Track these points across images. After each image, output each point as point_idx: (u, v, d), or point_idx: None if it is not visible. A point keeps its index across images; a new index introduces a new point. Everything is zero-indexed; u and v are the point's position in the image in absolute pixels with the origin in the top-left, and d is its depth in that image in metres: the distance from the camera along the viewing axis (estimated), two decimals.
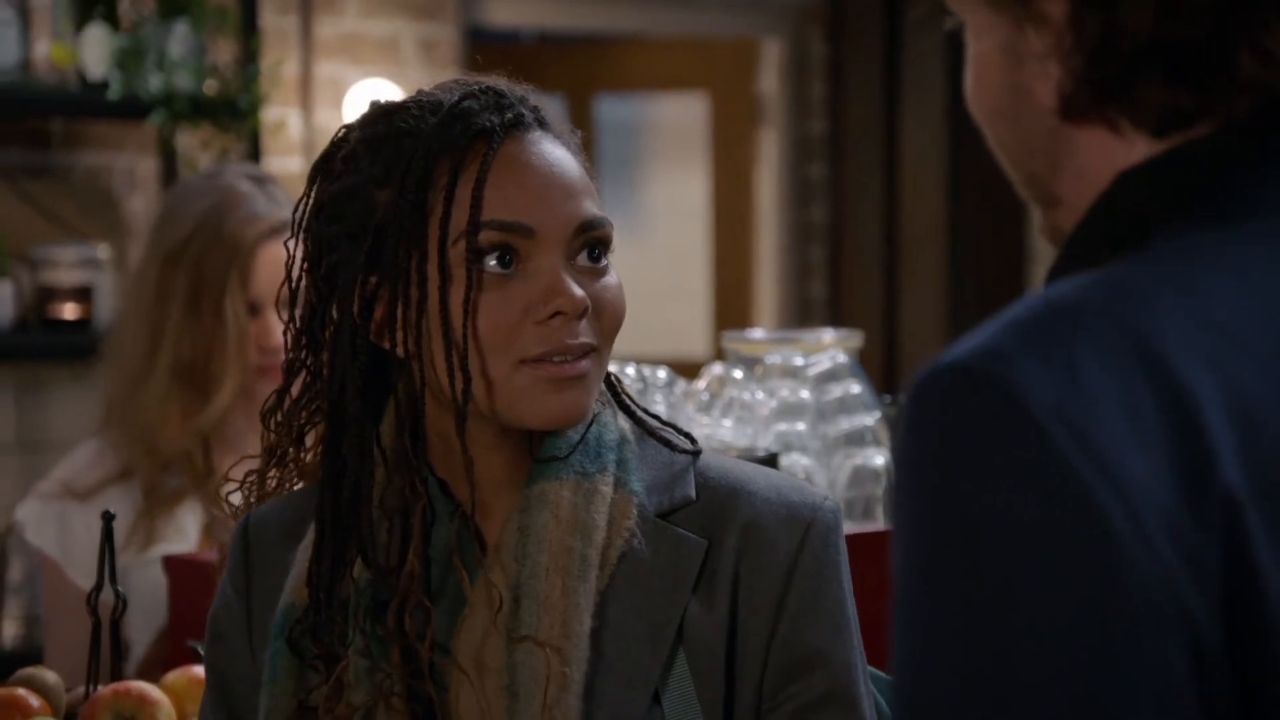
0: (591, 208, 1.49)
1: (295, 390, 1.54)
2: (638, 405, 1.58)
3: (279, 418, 1.54)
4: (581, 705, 1.44)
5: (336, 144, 1.53)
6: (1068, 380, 0.94)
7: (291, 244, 1.54)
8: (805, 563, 1.49)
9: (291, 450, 1.55)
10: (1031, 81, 1.06)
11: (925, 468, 0.95)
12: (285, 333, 1.53)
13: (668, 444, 1.55)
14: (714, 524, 1.51)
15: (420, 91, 1.52)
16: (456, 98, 1.49)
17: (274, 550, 1.57)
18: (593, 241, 1.48)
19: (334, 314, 1.50)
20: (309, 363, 1.52)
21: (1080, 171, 1.06)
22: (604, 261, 1.49)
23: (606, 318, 1.48)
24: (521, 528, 1.48)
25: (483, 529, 1.51)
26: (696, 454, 1.55)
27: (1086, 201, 1.06)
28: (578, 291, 1.46)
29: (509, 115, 1.48)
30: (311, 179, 1.53)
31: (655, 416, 1.58)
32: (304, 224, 1.53)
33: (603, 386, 1.54)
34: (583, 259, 1.48)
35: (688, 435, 1.56)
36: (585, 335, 1.46)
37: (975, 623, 0.93)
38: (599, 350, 1.48)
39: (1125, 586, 0.91)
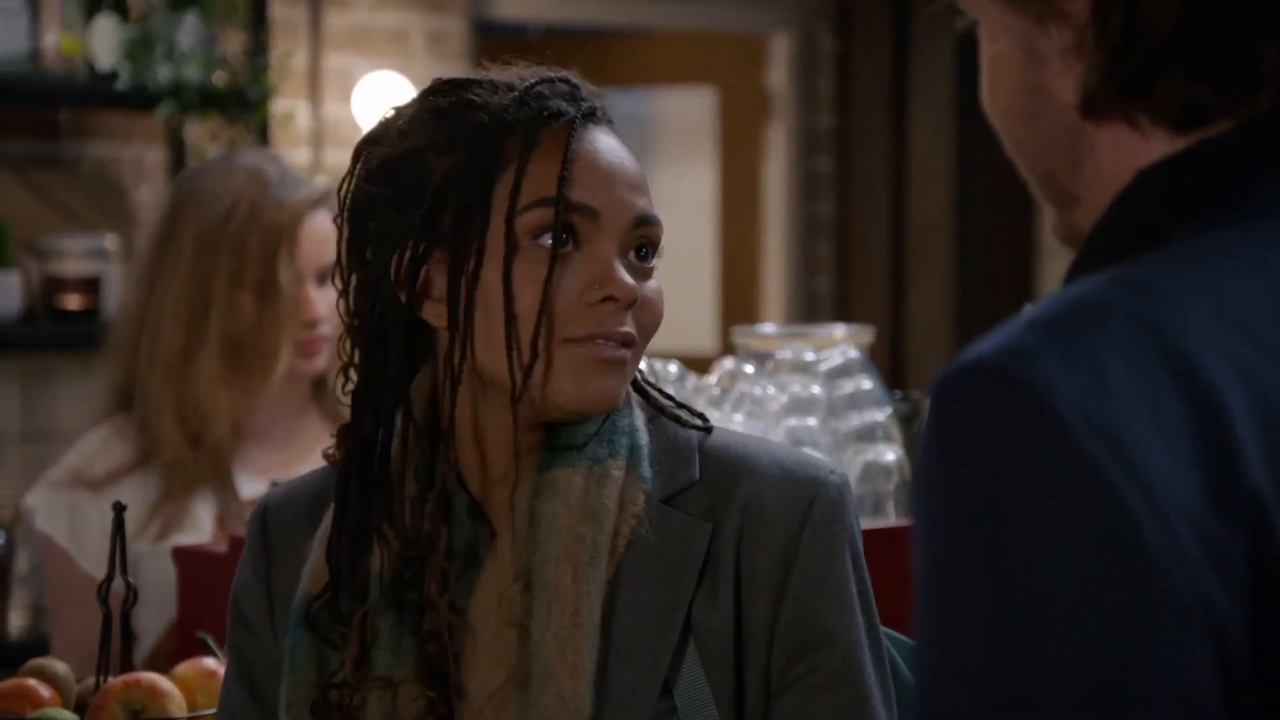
0: (650, 206, 1.51)
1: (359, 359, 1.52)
2: (651, 386, 1.58)
3: (346, 386, 1.52)
4: (593, 695, 1.43)
5: (392, 117, 1.53)
6: (1092, 379, 0.93)
7: (338, 220, 1.53)
8: (808, 542, 1.48)
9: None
10: (1052, 80, 1.05)
11: (947, 467, 0.94)
12: (339, 305, 1.53)
13: (678, 420, 1.54)
14: (717, 504, 1.50)
15: (488, 72, 1.53)
16: (532, 81, 1.51)
17: (293, 534, 1.57)
18: (645, 238, 1.50)
19: (371, 281, 1.50)
20: (359, 336, 1.52)
21: (1099, 169, 1.05)
22: (651, 262, 1.51)
23: (647, 316, 1.50)
24: (532, 515, 1.47)
25: (493, 516, 1.51)
26: (707, 430, 1.54)
27: (1105, 199, 1.05)
28: (630, 280, 1.47)
29: (584, 105, 1.51)
30: (358, 153, 1.53)
31: (669, 397, 1.58)
32: (350, 194, 1.52)
33: None
34: (633, 257, 1.50)
35: (699, 415, 1.56)
36: (629, 326, 1.47)
37: (997, 624, 0.92)
38: (636, 347, 1.49)
39: (1151, 587, 0.91)
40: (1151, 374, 0.93)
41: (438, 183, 1.47)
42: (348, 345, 1.52)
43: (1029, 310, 0.99)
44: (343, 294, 1.52)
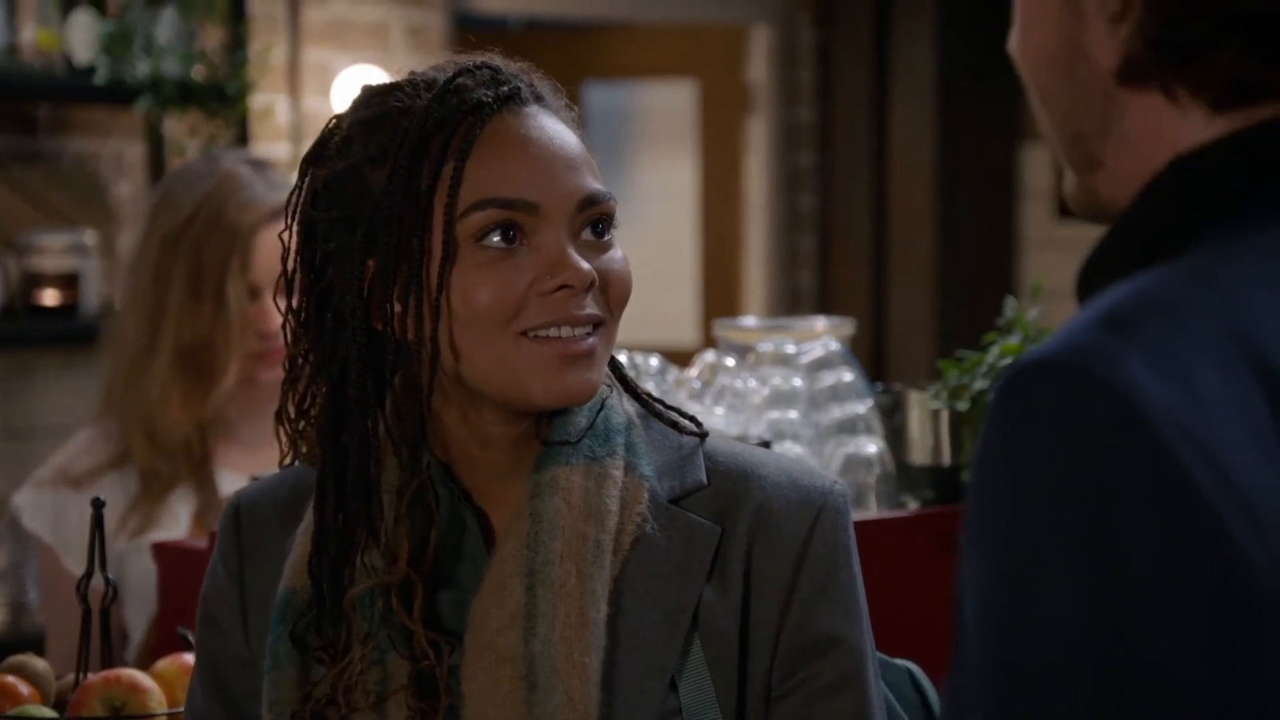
0: (593, 182, 1.48)
1: (301, 387, 1.51)
2: (644, 392, 1.56)
3: (291, 415, 1.51)
4: (600, 694, 1.42)
5: (328, 133, 1.51)
6: (1180, 384, 0.88)
7: (286, 236, 1.52)
8: (816, 547, 1.48)
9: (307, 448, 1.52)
10: (1090, 40, 1.02)
11: (1019, 476, 0.89)
12: (284, 326, 1.51)
13: (674, 426, 1.53)
14: (726, 509, 1.49)
15: (413, 72, 1.51)
16: (450, 74, 1.48)
17: (268, 532, 1.55)
18: (596, 217, 1.47)
19: (331, 301, 1.48)
20: (311, 357, 1.50)
21: (1127, 137, 1.02)
22: (608, 236, 1.48)
23: (613, 290, 1.47)
24: (533, 514, 1.46)
25: (489, 515, 1.50)
26: (703, 436, 1.54)
27: (1130, 168, 1.02)
28: (583, 265, 1.44)
29: (504, 89, 1.47)
30: (303, 170, 1.51)
31: (659, 400, 1.56)
32: (297, 214, 1.51)
33: (608, 370, 1.52)
34: (587, 234, 1.47)
35: (692, 418, 1.55)
36: (592, 308, 1.45)
37: (1082, 644, 0.87)
38: (606, 324, 1.46)
39: (1250, 604, 0.87)
40: (1240, 380, 0.89)
41: (376, 197, 1.45)
42: (301, 362, 1.50)
43: (1092, 307, 0.93)
44: (292, 311, 1.50)
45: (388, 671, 1.45)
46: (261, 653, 1.51)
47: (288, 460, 1.52)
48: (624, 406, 1.53)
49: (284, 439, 1.51)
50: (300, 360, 1.50)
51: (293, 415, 1.51)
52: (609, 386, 1.53)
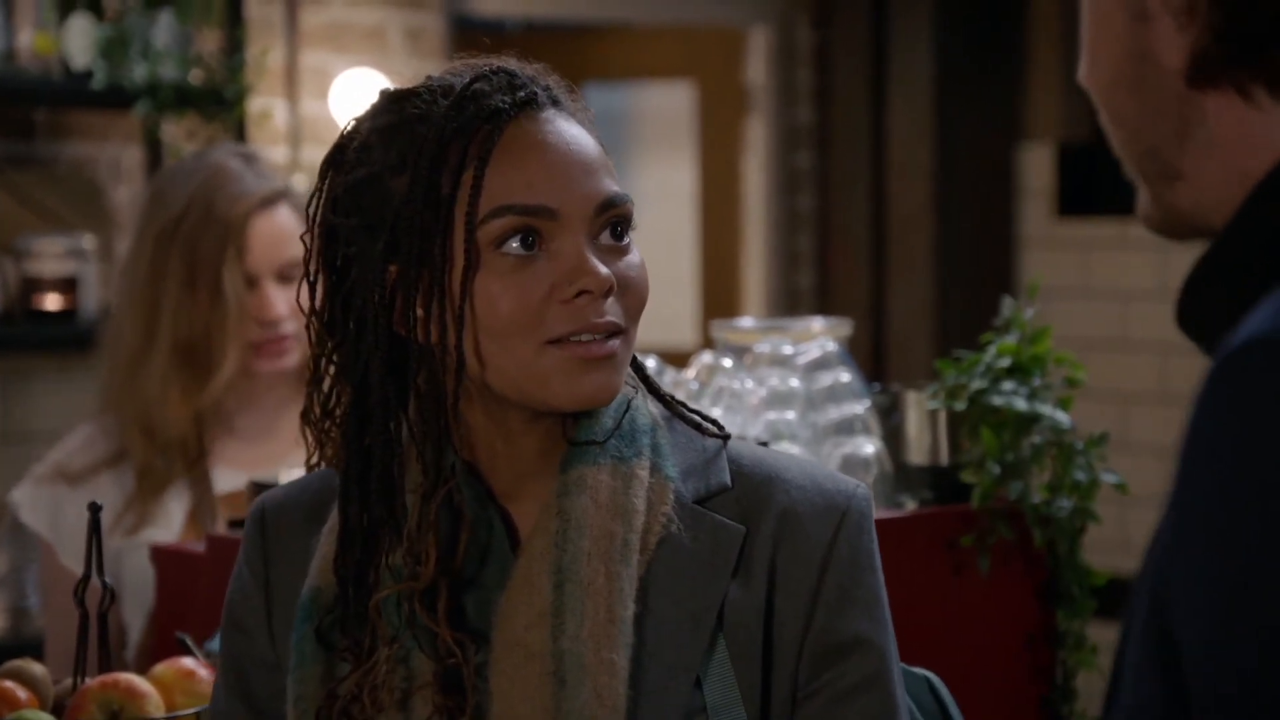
0: (611, 185, 1.48)
1: (326, 387, 1.51)
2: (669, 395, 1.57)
3: (317, 415, 1.52)
4: (628, 691, 1.43)
5: (347, 136, 1.52)
6: None
7: (307, 238, 1.52)
8: (841, 550, 1.50)
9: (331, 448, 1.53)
10: (1157, 44, 1.03)
11: (1245, 446, 0.89)
12: (308, 328, 1.52)
13: (698, 428, 1.54)
14: (750, 511, 1.50)
15: (430, 77, 1.51)
16: (467, 80, 1.48)
17: (293, 535, 1.56)
18: (615, 219, 1.48)
19: (353, 305, 1.49)
20: (335, 358, 1.51)
21: (1210, 142, 1.02)
22: (626, 239, 1.49)
23: (631, 296, 1.48)
24: (561, 512, 1.47)
25: (513, 514, 1.51)
26: (726, 439, 1.55)
27: (1215, 175, 1.02)
28: (603, 270, 1.45)
29: (521, 94, 1.48)
30: (323, 173, 1.52)
31: (682, 403, 1.57)
32: (318, 218, 1.52)
33: (631, 371, 1.53)
34: (606, 237, 1.48)
35: (714, 421, 1.56)
36: (612, 314, 1.46)
37: None
38: (625, 330, 1.47)
39: None
40: None
41: (396, 205, 1.46)
42: (325, 362, 1.51)
43: None
44: (315, 313, 1.51)
45: (413, 670, 1.46)
46: (286, 655, 1.52)
47: (314, 459, 1.52)
48: (649, 408, 1.54)
49: (310, 438, 1.52)
50: (325, 361, 1.51)
51: (318, 415, 1.51)
52: (633, 388, 1.54)
